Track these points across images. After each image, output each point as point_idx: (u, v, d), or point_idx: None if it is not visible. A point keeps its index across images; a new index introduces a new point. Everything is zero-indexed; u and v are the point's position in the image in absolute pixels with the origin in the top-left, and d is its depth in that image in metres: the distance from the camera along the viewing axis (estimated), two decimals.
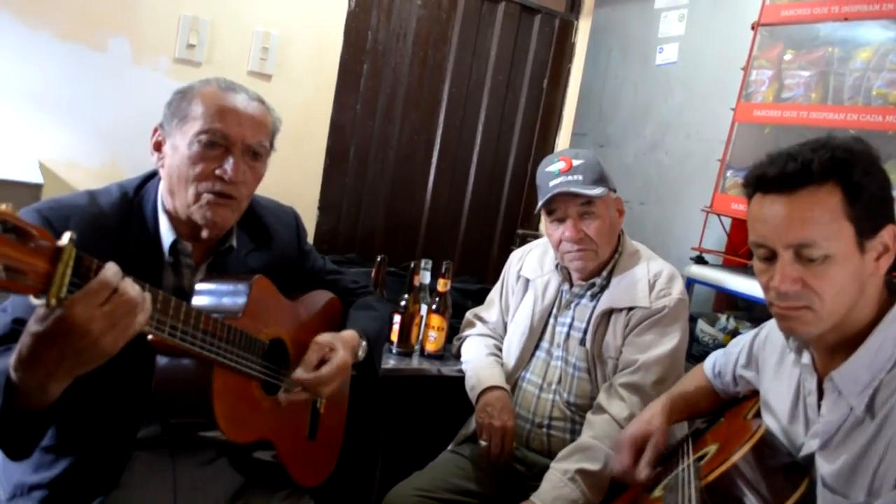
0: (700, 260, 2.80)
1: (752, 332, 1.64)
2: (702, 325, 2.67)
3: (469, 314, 2.37)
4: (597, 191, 1.89)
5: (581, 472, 1.76)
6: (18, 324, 1.27)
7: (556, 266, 2.08)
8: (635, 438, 1.62)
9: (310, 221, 2.90)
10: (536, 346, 2.08)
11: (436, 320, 2.39)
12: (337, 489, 1.86)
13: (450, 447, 2.14)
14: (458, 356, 2.31)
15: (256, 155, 1.47)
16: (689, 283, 2.68)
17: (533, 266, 2.16)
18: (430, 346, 2.40)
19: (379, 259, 2.52)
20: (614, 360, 1.94)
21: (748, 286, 2.48)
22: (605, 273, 2.00)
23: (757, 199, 1.26)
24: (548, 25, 3.37)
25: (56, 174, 2.40)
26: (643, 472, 1.54)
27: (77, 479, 1.35)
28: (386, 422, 2.66)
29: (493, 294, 2.32)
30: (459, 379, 2.19)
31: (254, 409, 1.42)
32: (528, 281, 2.16)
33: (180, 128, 1.42)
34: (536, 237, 2.88)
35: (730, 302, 2.90)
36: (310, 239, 1.93)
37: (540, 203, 1.95)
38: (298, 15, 2.72)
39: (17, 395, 1.09)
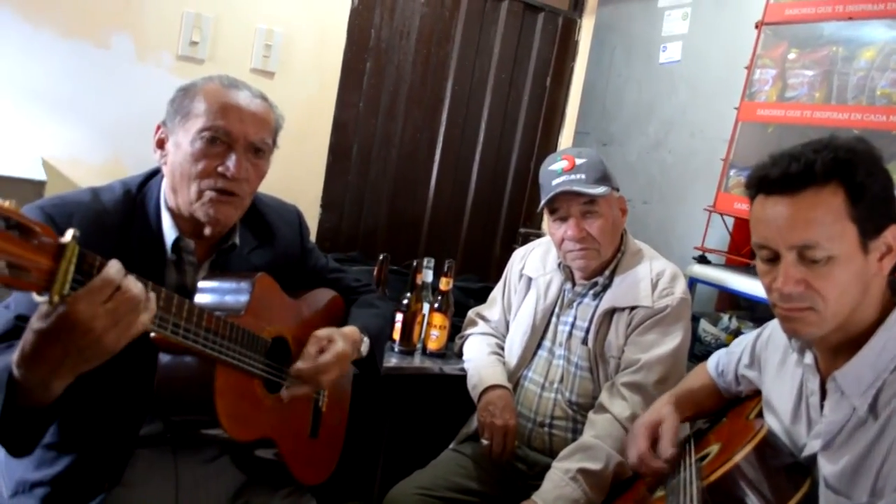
0: (703, 259, 2.79)
1: (755, 332, 1.64)
2: (704, 324, 2.67)
3: (471, 313, 2.37)
4: (599, 190, 1.89)
5: (583, 471, 1.75)
6: (21, 320, 1.27)
7: (559, 265, 2.08)
8: (649, 425, 1.61)
9: (312, 219, 2.90)
10: (538, 345, 2.08)
11: (438, 319, 2.38)
12: (338, 487, 1.86)
13: (451, 446, 2.14)
14: (460, 355, 2.31)
15: (259, 152, 1.47)
16: (692, 282, 2.68)
17: (535, 265, 2.16)
18: (432, 345, 2.40)
19: (381, 257, 2.52)
20: (616, 359, 1.94)
21: (751, 286, 2.47)
22: (607, 272, 2.00)
23: (759, 200, 1.26)
24: (551, 23, 3.37)
25: (59, 171, 2.40)
26: (666, 451, 1.52)
27: (79, 477, 1.35)
28: (388, 420, 2.66)
29: (496, 293, 2.32)
30: (461, 377, 2.19)
31: (256, 408, 1.42)
32: (530, 280, 2.16)
33: (183, 125, 1.42)
34: (539, 236, 2.88)
35: (732, 301, 2.90)
36: (312, 237, 1.93)
37: (542, 202, 1.95)
38: (302, 12, 2.72)
39: (20, 392, 1.09)
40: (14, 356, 1.07)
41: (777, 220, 1.20)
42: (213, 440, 1.48)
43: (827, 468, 1.24)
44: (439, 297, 2.38)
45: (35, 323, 1.02)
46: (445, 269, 2.38)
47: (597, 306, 1.98)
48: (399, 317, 2.37)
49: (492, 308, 2.30)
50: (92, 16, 2.38)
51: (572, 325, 2.02)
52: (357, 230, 3.08)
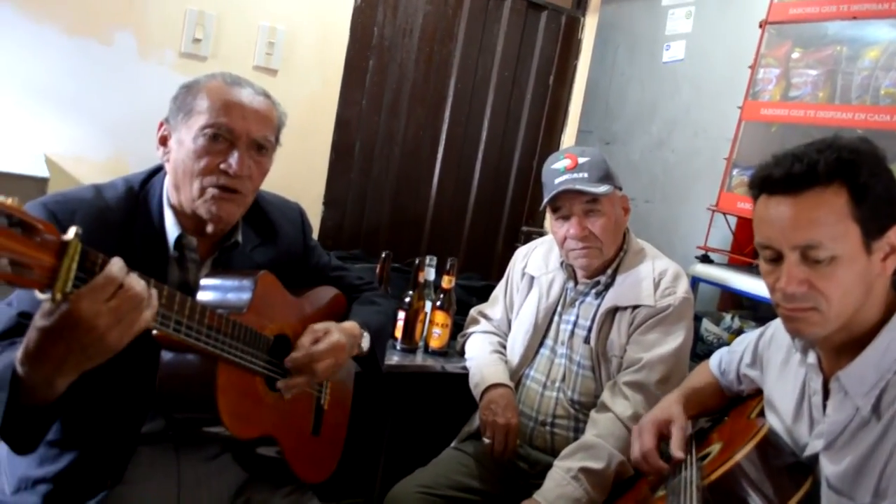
0: (705, 259, 2.79)
1: (758, 331, 1.64)
2: (706, 324, 2.67)
3: (473, 311, 2.37)
4: (602, 188, 1.89)
5: (584, 470, 1.75)
6: (24, 317, 1.27)
7: (561, 264, 2.08)
8: (658, 422, 1.61)
9: (315, 217, 2.90)
10: (541, 344, 2.08)
11: (440, 317, 2.39)
12: (340, 485, 1.86)
13: (453, 444, 2.14)
14: (462, 353, 2.31)
15: (262, 149, 1.47)
16: (694, 281, 2.68)
17: (538, 263, 2.16)
18: (434, 343, 2.40)
19: (384, 255, 2.52)
20: (618, 358, 1.94)
21: (753, 285, 2.47)
22: (609, 271, 2.00)
23: (762, 200, 1.25)
24: (554, 22, 3.36)
25: (62, 168, 2.40)
26: (678, 452, 1.52)
27: (81, 474, 1.35)
28: (389, 418, 2.66)
29: (498, 291, 2.32)
30: (463, 376, 2.19)
31: (258, 405, 1.42)
32: (532, 278, 2.16)
33: (185, 122, 1.42)
34: (541, 234, 2.88)
35: (735, 301, 2.90)
36: (315, 234, 1.93)
37: (545, 200, 1.95)
38: (304, 10, 2.72)
39: (24, 389, 1.09)
40: (18, 354, 1.07)
41: (780, 220, 1.20)
42: (215, 438, 1.48)
43: (829, 468, 1.24)
44: (441, 296, 2.38)
45: (38, 321, 1.02)
46: (448, 267, 2.38)
47: (599, 305, 1.98)
48: (401, 315, 2.38)
49: (494, 306, 2.30)
50: (95, 13, 2.38)
51: (574, 324, 2.02)
52: (359, 228, 3.08)
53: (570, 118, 3.50)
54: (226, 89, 1.43)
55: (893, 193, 1.20)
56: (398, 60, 3.02)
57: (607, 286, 1.99)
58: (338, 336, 1.52)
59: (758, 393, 1.59)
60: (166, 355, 1.30)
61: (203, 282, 1.42)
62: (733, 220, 2.79)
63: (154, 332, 1.16)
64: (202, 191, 1.41)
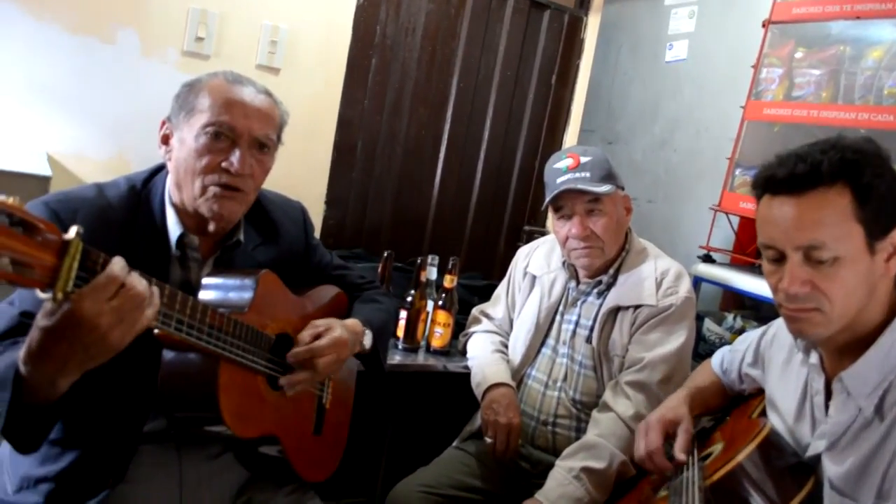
0: (707, 258, 2.79)
1: (760, 331, 1.64)
2: (708, 323, 2.66)
3: (475, 310, 2.37)
4: (604, 188, 1.88)
5: (586, 470, 1.75)
6: (26, 317, 1.27)
7: (563, 263, 2.07)
8: (665, 421, 1.60)
9: (317, 216, 2.90)
10: (542, 344, 2.08)
11: (442, 316, 2.39)
12: (342, 484, 1.86)
13: (455, 443, 2.14)
14: (463, 352, 2.31)
15: (263, 147, 1.47)
16: (697, 281, 2.67)
17: (540, 263, 2.16)
18: (436, 343, 2.40)
19: (385, 254, 2.52)
20: (620, 357, 1.94)
21: (756, 285, 2.47)
22: (611, 270, 1.99)
23: (766, 200, 1.25)
24: (557, 21, 3.36)
25: (64, 167, 2.40)
26: (680, 456, 1.52)
27: (83, 473, 1.35)
28: (391, 418, 2.66)
29: (500, 290, 2.32)
30: (465, 375, 2.19)
31: (259, 404, 1.42)
32: (534, 278, 2.15)
33: (187, 120, 1.42)
34: (543, 234, 2.88)
35: (737, 301, 2.89)
36: (316, 233, 1.93)
37: (547, 199, 1.95)
38: (307, 8, 2.72)
39: (27, 388, 1.09)
40: (20, 353, 1.07)
41: (783, 221, 1.20)
42: (217, 437, 1.49)
43: (832, 469, 1.24)
44: (443, 295, 2.38)
45: (41, 321, 1.02)
46: (450, 266, 2.38)
47: (601, 305, 1.98)
48: (403, 314, 2.38)
49: (496, 306, 2.30)
50: (98, 11, 2.37)
51: (576, 324, 2.02)
52: (361, 227, 3.07)
53: (572, 117, 3.49)
54: (227, 87, 1.43)
55: None
56: (400, 59, 3.01)
57: (609, 286, 1.99)
58: (340, 332, 1.52)
59: (759, 392, 1.59)
60: (168, 354, 1.30)
61: (205, 281, 1.42)
62: (736, 220, 2.79)
63: (156, 331, 1.16)
64: (204, 189, 1.41)
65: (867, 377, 1.21)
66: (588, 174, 1.89)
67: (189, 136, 1.41)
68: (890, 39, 2.32)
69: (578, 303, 2.03)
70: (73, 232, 0.97)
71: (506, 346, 2.20)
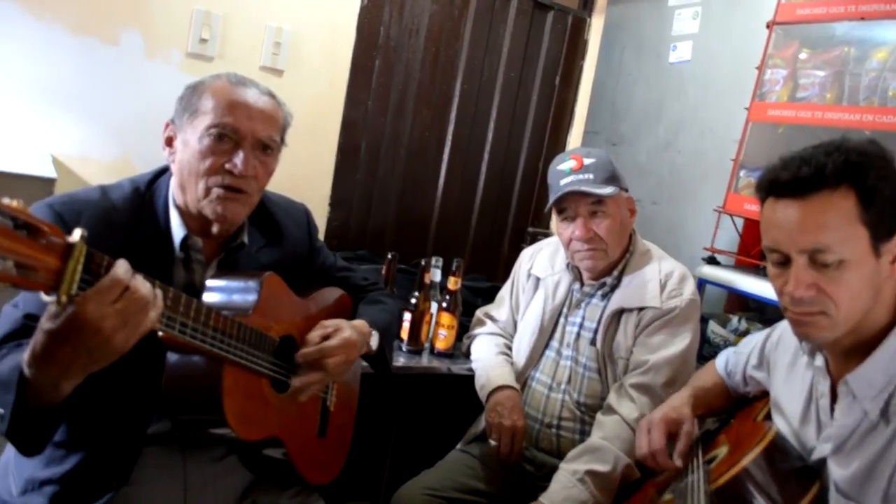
0: (712, 260, 2.78)
1: (764, 333, 1.63)
2: (713, 326, 2.66)
3: (479, 312, 2.37)
4: (607, 190, 1.88)
5: (590, 473, 1.75)
6: (30, 319, 1.28)
7: (567, 265, 2.07)
8: (668, 420, 1.60)
9: (321, 217, 2.90)
10: (546, 346, 2.08)
11: (446, 318, 2.38)
12: (346, 487, 1.86)
13: (459, 446, 2.14)
14: (467, 355, 2.30)
15: (267, 149, 1.47)
16: (701, 283, 2.67)
17: (544, 265, 2.16)
18: (440, 345, 2.40)
19: (389, 256, 2.51)
20: (625, 360, 1.93)
21: (760, 287, 2.46)
22: (615, 272, 1.99)
23: (770, 203, 1.25)
24: (560, 22, 3.36)
25: (69, 168, 2.41)
26: (677, 462, 1.52)
27: (87, 475, 1.35)
28: (395, 420, 2.66)
29: (504, 292, 2.31)
30: (469, 377, 2.19)
31: (263, 407, 1.42)
32: (538, 279, 2.15)
33: (191, 122, 1.42)
34: (547, 235, 2.87)
35: (741, 303, 2.89)
36: (320, 235, 1.93)
37: (550, 201, 1.95)
38: (311, 10, 2.72)
39: (31, 391, 1.10)
40: (25, 356, 1.07)
41: (788, 224, 1.19)
42: (221, 439, 1.49)
43: (837, 472, 1.24)
44: (447, 297, 2.38)
45: (45, 323, 1.03)
46: (454, 268, 2.37)
47: (605, 307, 1.98)
48: (407, 316, 2.37)
49: (500, 308, 2.29)
50: (102, 13, 2.38)
51: (580, 326, 2.01)
52: (365, 229, 3.08)
53: (576, 119, 3.49)
54: (231, 89, 1.43)
55: None
56: (404, 61, 3.02)
57: (613, 288, 1.99)
58: (349, 332, 1.53)
59: (764, 395, 1.59)
60: (172, 357, 1.30)
61: (209, 283, 1.42)
62: (740, 222, 2.78)
63: (160, 333, 1.16)
64: (207, 191, 1.41)
65: (873, 380, 1.20)
66: (591, 176, 1.89)
67: (192, 138, 1.41)
68: (894, 40, 2.31)
69: (582, 305, 2.03)
70: (76, 235, 0.97)
71: (510, 349, 2.20)
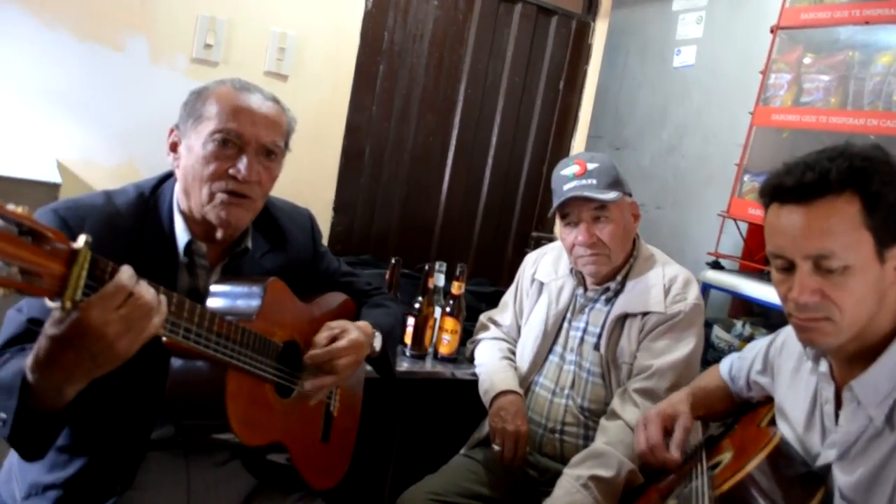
0: (716, 265, 2.78)
1: (768, 338, 1.63)
2: (717, 330, 2.65)
3: (483, 317, 2.37)
4: (610, 195, 1.88)
5: (594, 478, 1.74)
6: (34, 324, 1.28)
7: (571, 270, 2.07)
8: (664, 415, 1.60)
9: (324, 222, 2.90)
10: (550, 351, 2.07)
11: (449, 323, 2.38)
12: (349, 492, 1.86)
13: (462, 451, 2.14)
14: (471, 359, 2.30)
15: (271, 154, 1.47)
16: (705, 288, 2.66)
17: (547, 269, 2.15)
18: (444, 349, 2.40)
19: (393, 261, 2.52)
20: (628, 365, 1.93)
21: (764, 292, 2.45)
22: (619, 277, 1.99)
23: (774, 209, 1.24)
24: (564, 27, 3.36)
25: (74, 173, 2.41)
26: (674, 453, 1.52)
27: (91, 480, 1.36)
28: (399, 425, 2.66)
29: (508, 297, 2.31)
30: (473, 382, 2.18)
31: (267, 412, 1.42)
32: (542, 284, 2.15)
33: (195, 128, 1.42)
34: (551, 240, 2.87)
35: (746, 308, 2.88)
36: (324, 240, 1.93)
37: (554, 206, 1.95)
38: (315, 15, 2.73)
39: (33, 396, 1.10)
40: (28, 361, 1.08)
41: (792, 230, 1.19)
42: (225, 444, 1.49)
43: (842, 479, 1.23)
44: (451, 302, 2.38)
45: (49, 329, 1.03)
46: (457, 272, 2.37)
47: (609, 312, 1.97)
48: (411, 321, 2.37)
49: (503, 313, 2.29)
50: (107, 18, 2.39)
51: (584, 331, 2.01)
52: (369, 233, 3.08)
53: (580, 123, 3.50)
54: (235, 95, 1.44)
55: None
56: (408, 66, 3.02)
57: (617, 293, 1.99)
58: (356, 333, 1.53)
59: (768, 400, 1.58)
60: (176, 362, 1.30)
61: (212, 288, 1.42)
62: (744, 227, 2.78)
63: (164, 339, 1.16)
64: (211, 196, 1.41)
65: (877, 386, 1.20)
66: (594, 181, 1.89)
67: (197, 144, 1.41)
68: None
69: (586, 310, 2.03)
70: (81, 241, 0.97)
71: (513, 353, 2.19)
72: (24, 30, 2.28)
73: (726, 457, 1.44)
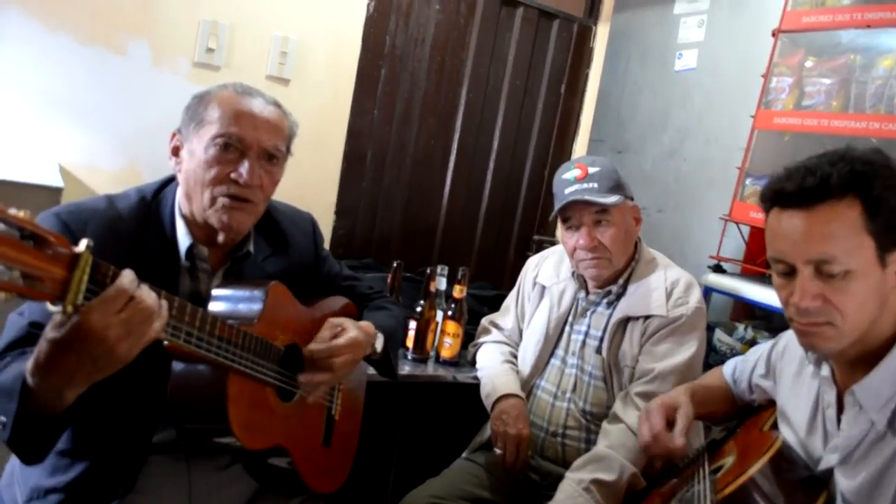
0: (718, 268, 2.77)
1: (771, 342, 1.63)
2: (719, 334, 2.65)
3: (485, 321, 2.37)
4: (612, 199, 1.88)
5: (596, 482, 1.74)
6: (35, 327, 1.28)
7: (573, 273, 2.07)
8: (665, 406, 1.60)
9: (326, 226, 2.90)
10: (551, 354, 2.07)
11: (451, 327, 2.38)
12: (351, 495, 1.86)
13: (464, 454, 2.14)
14: (473, 363, 2.30)
15: (272, 159, 1.48)
16: (707, 291, 2.66)
17: (549, 273, 2.16)
18: (446, 353, 2.40)
19: (395, 265, 2.52)
20: (630, 368, 1.93)
21: (766, 295, 2.45)
22: (621, 281, 1.99)
23: (775, 213, 1.24)
24: (566, 31, 3.36)
25: (76, 177, 2.42)
26: (678, 440, 1.52)
27: (93, 483, 1.36)
28: (400, 428, 2.66)
29: (509, 301, 2.31)
30: (474, 386, 2.18)
31: (269, 416, 1.42)
32: (544, 288, 2.15)
33: (197, 132, 1.43)
34: (553, 243, 2.87)
35: (748, 311, 2.87)
36: (326, 244, 1.93)
37: (555, 210, 1.95)
38: (317, 19, 2.73)
39: (34, 399, 1.10)
40: (28, 364, 1.08)
41: (793, 235, 1.19)
42: (226, 448, 1.49)
43: (844, 483, 1.23)
44: (453, 305, 2.38)
45: (49, 332, 1.03)
46: (459, 276, 2.37)
47: (610, 315, 1.97)
48: (412, 324, 2.38)
49: (505, 316, 2.29)
50: (109, 22, 2.39)
51: (586, 334, 2.01)
52: (371, 237, 3.08)
53: (581, 127, 3.50)
54: (236, 99, 1.44)
55: None
56: (410, 70, 3.02)
57: (619, 296, 1.99)
58: (356, 332, 1.53)
59: (770, 404, 1.58)
60: (177, 366, 1.30)
61: (214, 292, 1.42)
62: (746, 230, 2.77)
63: (165, 342, 1.16)
64: (213, 200, 1.41)
65: (879, 390, 1.20)
66: (596, 185, 1.89)
67: (198, 148, 1.41)
68: None
69: (588, 313, 2.03)
70: (83, 245, 0.97)
71: (515, 357, 2.19)
72: (26, 33, 2.28)
73: (729, 461, 1.44)
